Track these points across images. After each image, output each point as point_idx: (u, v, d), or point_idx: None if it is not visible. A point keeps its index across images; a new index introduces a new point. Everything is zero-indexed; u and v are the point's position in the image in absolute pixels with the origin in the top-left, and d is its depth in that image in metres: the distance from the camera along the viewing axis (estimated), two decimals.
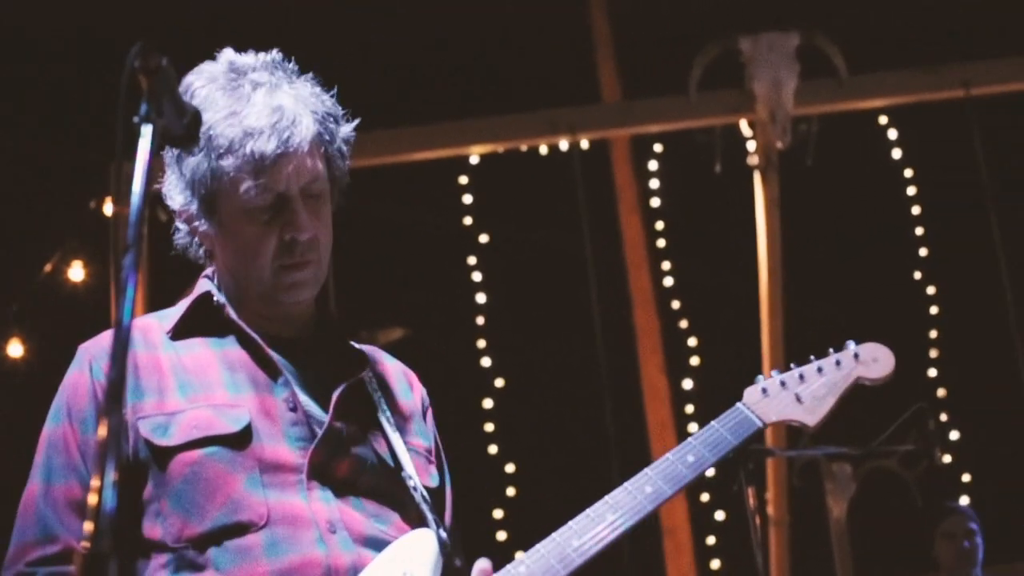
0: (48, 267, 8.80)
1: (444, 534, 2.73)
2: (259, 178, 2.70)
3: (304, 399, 2.73)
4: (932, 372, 9.60)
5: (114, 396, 1.72)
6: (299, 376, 2.77)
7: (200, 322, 2.80)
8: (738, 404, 2.85)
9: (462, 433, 9.67)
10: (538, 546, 2.64)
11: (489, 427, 9.87)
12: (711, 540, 9.89)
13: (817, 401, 2.86)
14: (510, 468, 9.72)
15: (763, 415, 2.83)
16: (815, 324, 9.08)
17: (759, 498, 6.38)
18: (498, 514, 8.95)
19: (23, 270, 9.05)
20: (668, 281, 10.24)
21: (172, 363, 2.72)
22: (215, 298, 2.81)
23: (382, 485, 2.73)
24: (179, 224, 2.85)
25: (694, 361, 9.84)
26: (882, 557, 9.47)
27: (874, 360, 2.92)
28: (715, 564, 9.89)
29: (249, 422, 2.65)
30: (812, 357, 2.92)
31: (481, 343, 9.96)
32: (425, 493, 2.76)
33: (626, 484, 2.71)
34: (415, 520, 2.74)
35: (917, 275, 9.95)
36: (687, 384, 9.55)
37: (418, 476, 2.78)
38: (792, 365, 2.89)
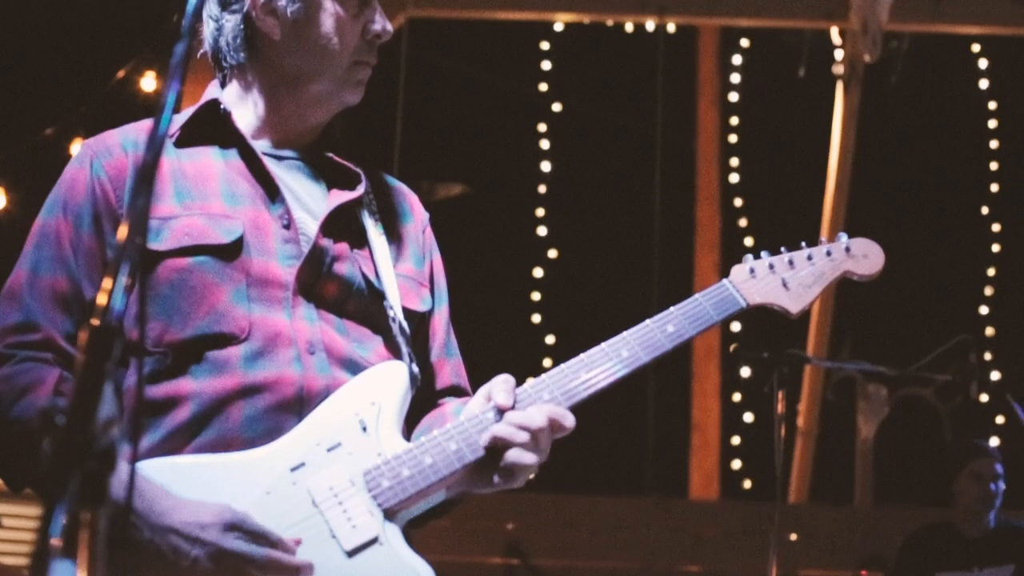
0: (121, 73, 8.80)
1: (416, 368, 2.72)
2: None
3: (299, 216, 2.71)
4: (984, 309, 9.51)
5: (147, 178, 1.71)
6: (297, 193, 2.76)
7: (205, 130, 2.77)
8: (724, 281, 2.78)
9: (508, 297, 9.71)
10: (526, 385, 2.63)
11: (536, 296, 9.87)
12: (736, 440, 9.91)
13: (803, 289, 2.79)
14: (550, 340, 9.75)
15: (747, 295, 2.77)
16: (873, 244, 9.00)
17: (790, 407, 6.41)
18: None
19: (97, 74, 9.07)
20: (734, 178, 10.17)
21: (172, 168, 2.70)
22: (221, 105, 2.78)
23: (367, 310, 2.72)
24: (235, 12, 2.77)
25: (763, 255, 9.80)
26: (901, 483, 9.47)
27: (864, 256, 2.85)
28: (736, 464, 9.92)
29: (242, 235, 2.63)
30: (803, 244, 2.86)
31: (540, 211, 9.94)
32: (404, 325, 2.75)
33: (603, 345, 2.67)
34: (395, 350, 2.73)
35: (985, 210, 9.83)
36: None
37: (404, 302, 2.77)
38: (783, 249, 2.83)
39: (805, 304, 2.80)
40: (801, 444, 9.87)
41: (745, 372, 9.50)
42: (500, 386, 2.61)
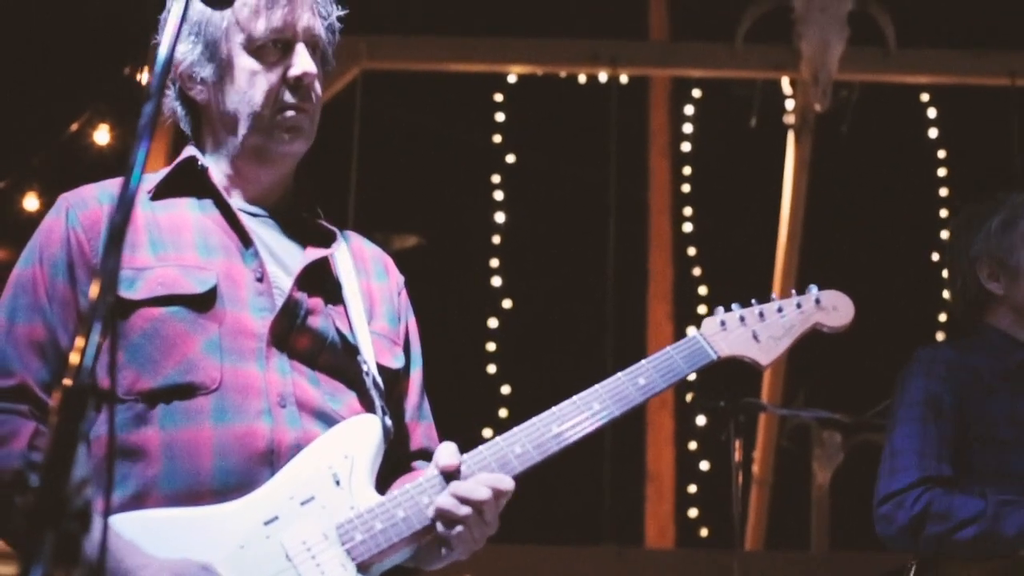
0: (75, 126, 8.79)
1: (389, 422, 2.74)
2: (272, 14, 2.75)
3: (273, 270, 2.74)
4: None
5: (117, 238, 1.72)
6: (271, 248, 2.79)
7: (182, 184, 2.81)
8: (695, 333, 2.83)
9: (463, 348, 9.71)
10: (481, 448, 2.65)
11: (491, 346, 9.88)
12: (692, 488, 9.92)
13: (773, 341, 2.83)
14: (506, 390, 9.75)
15: (718, 347, 2.81)
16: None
17: (746, 455, 6.43)
18: (487, 433, 8.97)
19: (51, 126, 9.06)
20: (688, 227, 10.23)
21: (147, 221, 2.73)
22: (200, 162, 2.82)
23: (340, 364, 2.74)
24: (172, 84, 2.85)
25: (702, 310, 9.84)
26: (857, 529, 9.49)
27: (834, 308, 2.89)
28: (693, 512, 9.93)
29: (215, 286, 2.66)
30: (774, 296, 2.89)
31: (494, 262, 9.95)
32: (378, 379, 2.76)
33: (575, 398, 2.70)
34: (368, 404, 2.75)
35: (935, 256, 9.92)
36: (692, 331, 9.56)
37: (378, 358, 2.78)
38: (753, 301, 2.87)
39: (775, 356, 2.83)
40: (757, 492, 9.89)
41: (701, 421, 9.53)
42: (444, 451, 2.64)
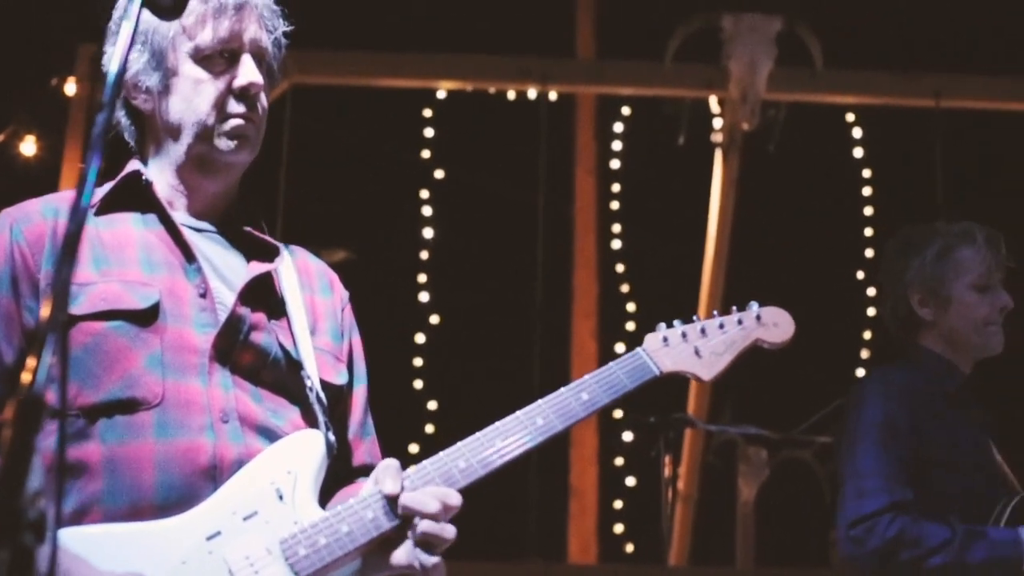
0: (0, 137, 8.72)
1: (333, 438, 2.74)
2: (219, 24, 2.76)
3: (216, 285, 2.73)
4: (860, 372, 9.67)
5: (69, 250, 1.71)
6: (214, 263, 2.78)
7: (125, 199, 2.80)
8: (638, 349, 2.84)
9: (390, 363, 9.68)
10: (425, 463, 2.65)
11: (418, 361, 9.87)
12: (618, 504, 9.95)
13: (715, 357, 2.86)
14: (432, 405, 9.74)
15: (661, 363, 2.83)
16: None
17: (671, 470, 6.47)
18: (413, 448, 8.95)
19: None
20: (616, 244, 10.26)
21: (90, 236, 2.71)
22: (144, 176, 2.81)
23: (283, 380, 2.73)
24: (119, 96, 2.82)
25: (630, 326, 9.88)
26: (782, 545, 9.56)
27: (775, 324, 2.92)
28: (619, 528, 9.95)
29: (157, 301, 2.65)
30: (715, 313, 2.92)
31: (422, 277, 9.95)
32: (322, 395, 2.76)
33: (518, 413, 2.70)
34: (311, 420, 2.75)
35: (860, 275, 10.02)
36: (619, 348, 9.58)
37: (321, 374, 2.78)
38: (695, 317, 2.89)
39: (717, 372, 2.86)
40: (682, 508, 9.92)
41: (628, 437, 9.55)
42: (384, 472, 2.63)
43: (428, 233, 9.96)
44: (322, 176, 9.73)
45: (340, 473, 2.83)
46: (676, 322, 2.89)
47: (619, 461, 9.93)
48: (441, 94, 9.89)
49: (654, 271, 10.25)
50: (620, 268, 10.26)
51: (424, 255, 9.96)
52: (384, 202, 10.01)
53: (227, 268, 2.78)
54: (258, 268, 2.78)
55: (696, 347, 2.86)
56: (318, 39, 8.86)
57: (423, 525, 2.56)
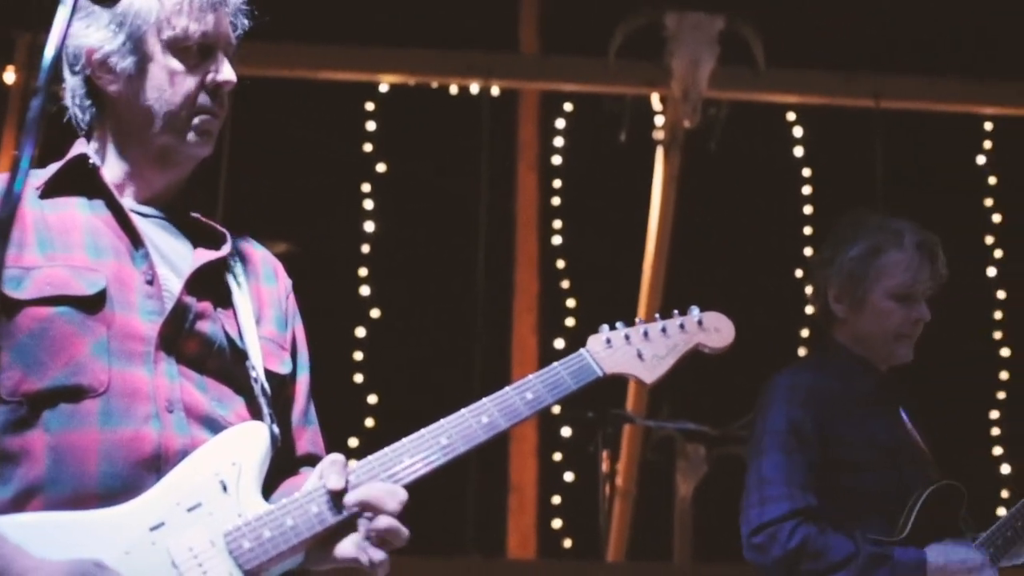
0: None
1: (277, 429, 2.74)
2: (199, 17, 2.76)
3: (163, 272, 2.72)
4: None
5: (2, 235, 1.70)
6: (162, 250, 2.77)
7: (72, 182, 2.78)
8: (582, 350, 2.86)
9: (330, 357, 9.65)
10: (369, 458, 2.65)
11: (358, 355, 9.85)
12: (556, 499, 9.97)
13: (657, 360, 2.89)
14: (372, 399, 9.72)
15: (604, 364, 2.85)
16: (691, 305, 9.13)
17: (610, 466, 6.49)
18: (353, 442, 8.94)
19: None
20: (556, 239, 10.28)
21: (36, 219, 2.70)
22: (91, 160, 2.80)
23: (228, 369, 2.73)
24: (76, 74, 2.81)
25: (569, 322, 9.90)
26: (719, 541, 9.60)
27: (716, 329, 2.95)
28: (557, 523, 9.97)
29: (104, 288, 2.63)
30: (658, 316, 2.95)
31: (363, 271, 9.92)
32: (266, 385, 2.76)
33: (463, 411, 2.72)
34: (256, 410, 2.74)
35: (799, 273, 10.08)
36: (559, 344, 9.60)
37: (266, 363, 2.78)
38: (638, 320, 2.92)
39: (659, 375, 2.89)
40: (620, 504, 9.96)
41: (566, 432, 9.57)
42: (330, 467, 2.63)
43: (369, 227, 9.94)
44: (263, 169, 9.69)
45: (283, 463, 2.82)
46: (619, 324, 2.91)
47: (558, 457, 9.95)
48: (384, 88, 9.87)
49: (594, 268, 10.28)
50: (560, 264, 10.27)
51: (365, 249, 9.94)
52: (325, 195, 9.98)
53: (174, 255, 2.77)
54: (205, 255, 2.77)
55: (639, 350, 2.88)
56: (260, 31, 8.83)
57: (383, 522, 2.57)
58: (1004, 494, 9.63)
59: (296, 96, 9.82)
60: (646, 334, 2.90)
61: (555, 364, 2.82)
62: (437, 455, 2.67)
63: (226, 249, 2.82)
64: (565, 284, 10.23)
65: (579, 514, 9.60)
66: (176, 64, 2.76)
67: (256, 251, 2.98)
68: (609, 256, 10.31)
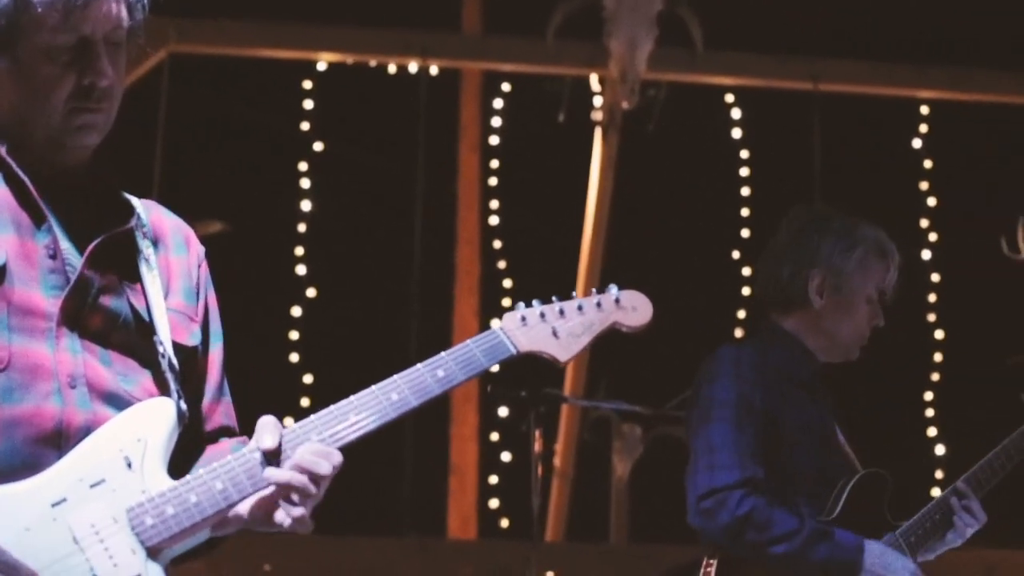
0: None
1: (184, 405, 2.70)
2: (68, 17, 2.63)
3: (66, 247, 2.66)
4: None
5: None
6: (64, 223, 2.69)
7: None
8: (496, 328, 2.83)
9: (266, 336, 9.62)
10: (285, 432, 2.63)
11: (294, 335, 9.81)
12: (494, 479, 9.97)
13: (572, 338, 2.86)
14: (308, 379, 9.68)
15: (518, 342, 2.82)
16: (629, 285, 9.15)
17: (546, 446, 6.49)
18: (288, 422, 8.90)
19: None
20: (494, 220, 10.27)
21: None
22: None
23: (134, 343, 2.68)
24: None
25: (506, 302, 9.88)
26: (655, 522, 9.64)
27: (633, 308, 2.92)
28: (494, 503, 9.98)
29: (4, 263, 2.58)
30: (574, 294, 2.93)
31: (299, 250, 9.87)
32: (174, 360, 2.72)
33: (373, 387, 2.69)
34: (163, 385, 2.70)
35: (736, 255, 10.11)
36: (496, 323, 9.59)
37: (174, 336, 2.74)
38: (554, 298, 2.90)
39: (574, 353, 2.86)
40: (558, 485, 9.98)
41: (503, 412, 9.56)
42: (264, 428, 2.61)
43: (306, 206, 9.89)
44: (199, 146, 9.63)
45: (197, 436, 2.80)
46: (535, 302, 2.88)
47: (495, 436, 9.95)
48: (322, 66, 9.82)
49: (532, 248, 10.28)
50: (497, 244, 10.27)
51: (302, 228, 9.89)
52: (262, 174, 9.93)
53: (78, 228, 2.70)
54: (108, 228, 2.72)
55: (554, 328, 2.85)
56: (197, 7, 8.77)
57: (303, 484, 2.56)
58: (938, 475, 9.70)
59: (233, 74, 9.76)
60: (562, 312, 2.87)
61: (468, 341, 2.79)
62: (347, 431, 2.65)
63: (132, 221, 2.77)
64: (502, 265, 10.23)
65: (517, 494, 9.60)
66: (48, 68, 2.64)
67: (166, 220, 2.92)
68: (547, 236, 10.31)
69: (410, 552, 8.58)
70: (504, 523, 9.96)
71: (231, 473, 2.56)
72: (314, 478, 2.57)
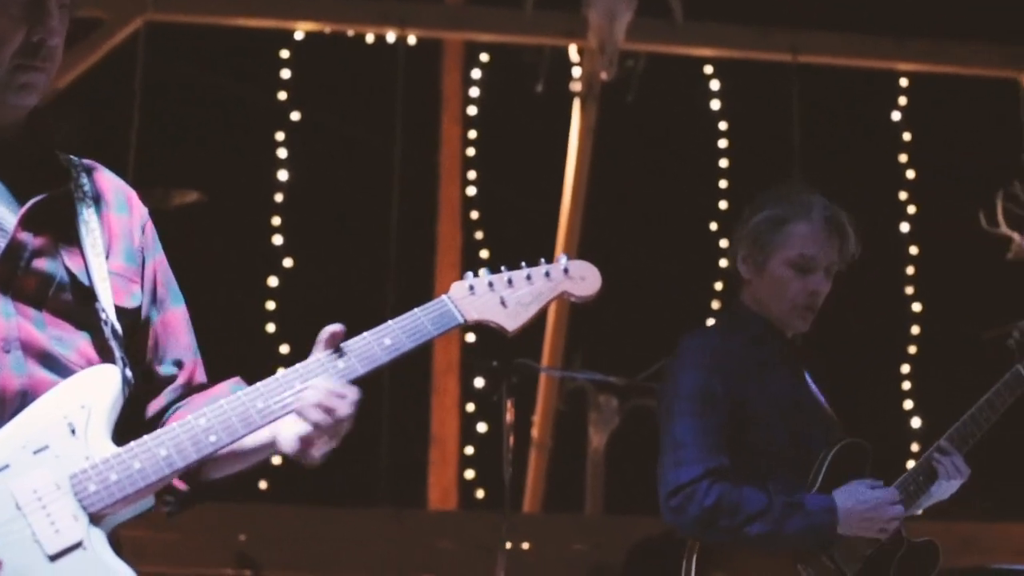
0: None
1: (129, 372, 2.68)
2: None
3: (1, 212, 2.65)
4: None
5: None
6: None
7: None
8: (444, 296, 2.80)
9: (242, 306, 9.60)
10: (222, 402, 2.61)
11: (270, 305, 9.79)
12: (470, 450, 9.97)
13: (521, 307, 2.84)
14: (284, 349, 9.67)
15: (465, 311, 2.80)
16: (607, 257, 9.15)
17: (524, 418, 6.50)
18: None
19: None
20: (471, 191, 10.25)
21: None
22: None
23: (70, 306, 2.66)
24: None
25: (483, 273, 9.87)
26: (631, 493, 9.65)
27: (582, 278, 2.91)
28: (470, 474, 9.98)
29: None
30: (523, 263, 2.92)
31: (276, 220, 9.84)
32: (117, 325, 2.70)
33: (319, 355, 2.68)
34: (102, 347, 2.68)
35: (713, 226, 10.11)
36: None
37: (115, 299, 2.72)
38: (503, 268, 2.89)
39: (522, 323, 2.84)
40: (536, 455, 9.99)
41: (480, 383, 9.55)
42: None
43: (283, 175, 9.86)
44: (175, 115, 9.59)
45: (180, 396, 2.81)
46: (484, 271, 2.87)
47: (471, 407, 9.95)
48: (299, 35, 9.79)
49: (511, 219, 10.26)
50: (475, 215, 10.25)
51: (279, 197, 9.86)
52: (239, 143, 9.90)
53: (12, 191, 2.69)
54: (43, 190, 2.69)
55: (502, 297, 2.83)
56: None
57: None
58: (914, 447, 9.72)
59: (209, 42, 9.72)
60: (510, 281, 2.85)
61: (416, 310, 2.77)
62: (291, 399, 2.64)
63: (69, 184, 2.74)
64: (479, 235, 10.22)
65: (494, 465, 9.61)
66: None
67: (108, 181, 2.89)
68: (525, 207, 10.30)
69: (386, 523, 8.58)
70: (480, 494, 9.96)
71: (176, 440, 2.54)
72: (334, 415, 2.60)
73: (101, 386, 2.59)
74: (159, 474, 2.52)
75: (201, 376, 2.89)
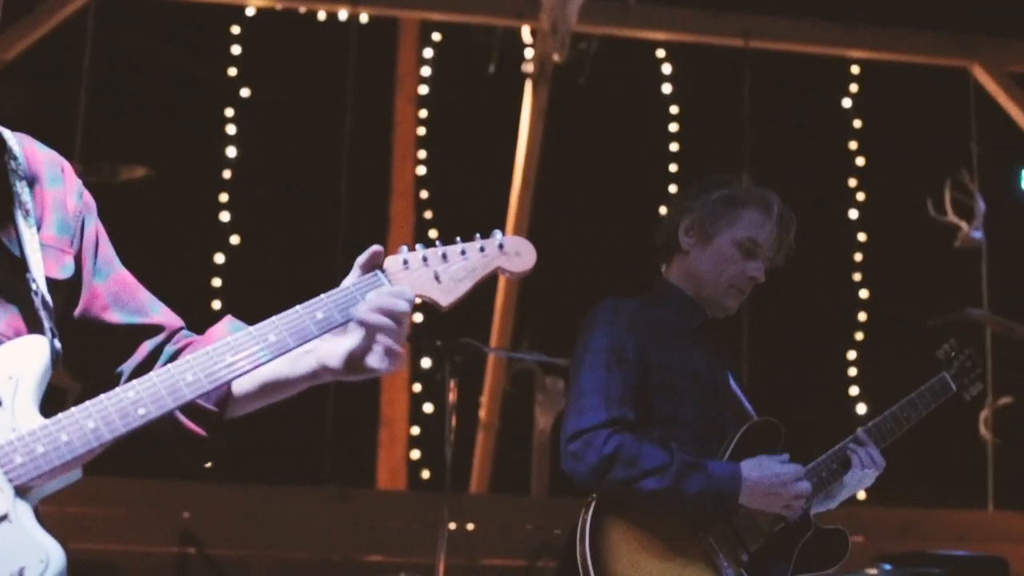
0: None
1: (59, 344, 2.65)
2: None
3: None
4: None
5: None
6: None
7: None
8: (377, 271, 2.80)
9: (188, 283, 9.55)
10: (151, 374, 2.59)
11: (216, 282, 9.74)
12: (416, 430, 9.97)
13: (455, 283, 2.84)
14: None
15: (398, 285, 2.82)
16: (557, 238, 9.17)
17: (472, 399, 6.50)
18: None
19: None
20: (421, 170, 10.23)
21: None
22: None
23: (1, 278, 2.62)
24: None
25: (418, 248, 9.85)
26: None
27: (517, 254, 2.90)
28: (415, 455, 9.97)
29: None
30: (458, 239, 2.91)
31: (223, 197, 9.79)
32: (48, 297, 2.67)
33: (250, 329, 2.66)
34: (32, 321, 2.65)
35: (663, 210, 10.11)
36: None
37: (47, 271, 2.69)
38: (438, 243, 2.88)
39: (455, 298, 2.82)
40: (483, 437, 9.99)
41: (426, 363, 9.54)
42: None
43: (232, 152, 9.81)
44: (124, 90, 9.52)
45: (166, 339, 2.82)
46: (418, 245, 2.86)
47: (417, 387, 9.94)
48: (250, 11, 9.74)
49: (461, 199, 10.25)
50: (425, 194, 10.23)
51: (227, 174, 9.81)
52: (187, 119, 9.84)
53: None
54: None
55: (436, 272, 2.82)
56: None
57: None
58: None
59: (161, 17, 9.65)
60: (444, 256, 2.84)
61: (348, 284, 2.76)
62: (223, 372, 2.62)
63: (1, 157, 2.71)
64: (428, 215, 10.20)
65: (440, 445, 9.61)
66: None
67: (40, 153, 2.86)
68: (476, 187, 10.28)
69: (331, 502, 8.56)
70: (426, 474, 9.95)
71: (103, 412, 2.51)
72: (395, 316, 2.64)
73: (29, 357, 2.56)
74: (87, 447, 2.49)
75: (175, 320, 2.88)
